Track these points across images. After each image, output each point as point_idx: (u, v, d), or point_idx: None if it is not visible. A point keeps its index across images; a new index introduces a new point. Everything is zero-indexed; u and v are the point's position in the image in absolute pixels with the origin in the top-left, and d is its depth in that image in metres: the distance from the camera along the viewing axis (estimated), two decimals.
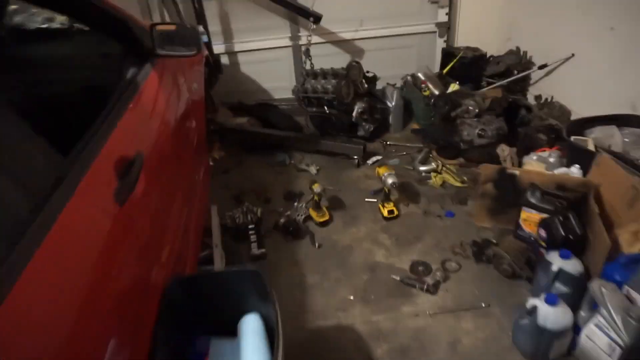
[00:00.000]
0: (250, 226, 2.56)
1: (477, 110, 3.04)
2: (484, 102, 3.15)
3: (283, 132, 3.53)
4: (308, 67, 3.58)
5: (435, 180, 3.04)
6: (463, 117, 3.10)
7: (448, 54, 4.16)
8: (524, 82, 3.91)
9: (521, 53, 4.02)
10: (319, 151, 3.43)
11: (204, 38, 3.60)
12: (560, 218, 2.01)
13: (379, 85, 3.87)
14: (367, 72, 3.49)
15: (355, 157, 3.24)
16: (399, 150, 3.52)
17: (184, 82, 2.17)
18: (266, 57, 4.28)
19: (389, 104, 3.63)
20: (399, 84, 4.07)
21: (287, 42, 4.20)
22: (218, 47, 4.15)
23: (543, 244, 2.10)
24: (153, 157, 1.45)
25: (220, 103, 4.02)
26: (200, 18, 3.54)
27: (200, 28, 3.54)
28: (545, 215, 2.13)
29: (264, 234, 2.62)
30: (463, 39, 4.32)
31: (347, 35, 4.21)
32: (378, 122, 3.56)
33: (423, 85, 3.74)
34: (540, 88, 3.75)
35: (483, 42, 4.29)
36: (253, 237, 2.51)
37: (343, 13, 4.12)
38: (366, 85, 3.38)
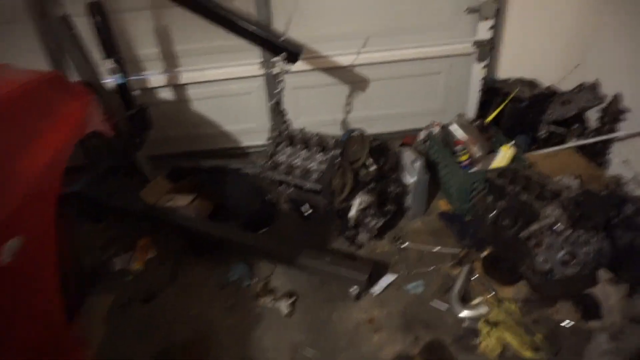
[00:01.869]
0: None
1: (563, 227, 1.75)
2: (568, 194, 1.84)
3: (242, 234, 2.24)
4: (283, 125, 2.27)
5: (489, 342, 1.79)
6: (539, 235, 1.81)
7: (492, 90, 2.83)
8: (606, 142, 2.61)
9: (598, 88, 2.70)
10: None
11: (115, 78, 2.28)
12: None
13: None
14: (374, 140, 2.15)
15: (354, 288, 1.97)
16: (422, 258, 2.25)
17: None
18: (229, 90, 2.97)
19: (407, 179, 2.33)
20: (421, 135, 2.76)
21: (258, 70, 2.88)
22: (154, 79, 2.83)
23: None
24: None
25: (151, 165, 2.71)
26: (107, 45, 2.19)
27: (108, 63, 2.21)
28: None
29: None
30: (509, 64, 2.99)
31: (344, 60, 2.88)
32: (390, 213, 2.28)
33: (459, 147, 2.44)
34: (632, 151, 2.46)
35: (538, 68, 2.95)
36: None
37: (339, 28, 2.79)
38: (373, 167, 2.07)
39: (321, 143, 2.05)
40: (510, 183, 2.02)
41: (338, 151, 1.88)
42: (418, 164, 2.29)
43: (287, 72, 2.16)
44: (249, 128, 3.14)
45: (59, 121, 1.53)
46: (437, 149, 2.60)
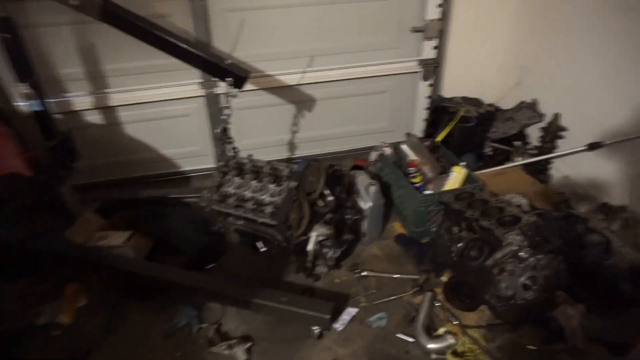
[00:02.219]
0: None
1: (527, 256, 1.73)
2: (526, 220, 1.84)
3: (187, 275, 2.02)
4: (230, 151, 2.10)
5: None
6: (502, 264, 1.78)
7: (439, 109, 2.83)
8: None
9: (537, 105, 2.79)
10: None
11: (30, 103, 1.98)
12: None
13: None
14: (330, 167, 2.04)
15: (316, 328, 1.83)
16: (382, 286, 2.15)
17: None
18: (165, 112, 2.74)
19: (363, 205, 2.24)
20: (372, 156, 2.69)
21: (198, 90, 2.68)
22: (79, 101, 2.54)
23: None
24: None
25: (78, 198, 2.41)
26: (20, 66, 1.90)
27: (21, 87, 1.92)
28: None
29: None
30: (453, 83, 3.02)
31: (290, 79, 2.76)
32: (348, 243, 2.17)
33: (412, 169, 2.40)
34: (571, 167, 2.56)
35: (481, 87, 3.02)
36: None
37: (284, 47, 2.67)
38: (331, 198, 1.95)
39: (274, 173, 1.90)
40: (468, 207, 1.99)
41: (294, 183, 1.74)
42: (373, 189, 2.21)
43: (233, 96, 1.99)
44: (189, 152, 2.92)
45: None
46: (389, 171, 2.54)
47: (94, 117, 2.64)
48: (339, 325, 1.94)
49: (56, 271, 2.17)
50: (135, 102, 2.64)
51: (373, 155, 2.68)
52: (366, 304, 2.06)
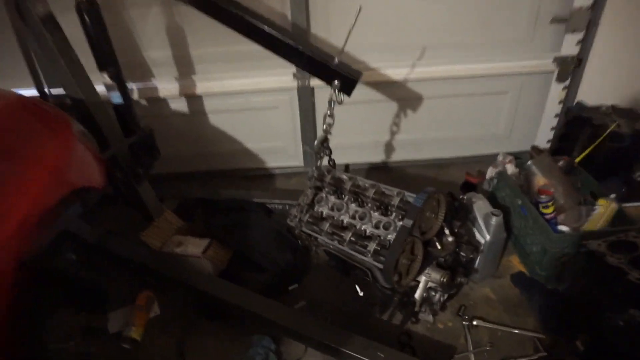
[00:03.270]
0: None
1: None
2: None
3: (270, 307, 1.73)
4: (324, 161, 1.77)
5: None
6: None
7: (578, 120, 2.30)
8: None
9: None
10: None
11: (111, 96, 1.78)
12: None
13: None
14: (453, 197, 1.63)
15: None
16: (497, 342, 1.75)
17: None
18: (253, 103, 2.47)
19: (480, 239, 1.83)
20: (489, 172, 2.25)
21: (290, 82, 2.37)
22: (164, 88, 2.34)
23: None
24: None
25: (155, 191, 2.21)
26: (101, 52, 1.68)
27: (102, 77, 1.71)
28: None
29: None
30: (594, 86, 2.44)
31: (395, 74, 2.36)
32: (460, 287, 1.79)
33: (544, 197, 1.93)
34: None
35: (635, 95, 2.42)
36: None
37: (392, 37, 2.27)
38: (450, 239, 1.56)
39: (381, 199, 1.55)
40: (630, 262, 1.51)
41: (409, 221, 1.38)
42: (495, 222, 1.79)
43: (339, 103, 1.64)
44: (275, 147, 2.66)
45: (26, 173, 1.05)
46: (509, 193, 2.10)
47: (178, 105, 2.44)
48: None
49: (129, 275, 2.01)
50: (221, 90, 2.39)
51: (490, 172, 2.23)
52: None
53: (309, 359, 1.74)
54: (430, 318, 1.70)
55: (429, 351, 1.71)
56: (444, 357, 1.68)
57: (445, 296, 1.75)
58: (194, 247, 1.98)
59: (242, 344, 1.77)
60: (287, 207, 2.20)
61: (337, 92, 1.59)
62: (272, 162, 2.72)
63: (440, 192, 1.50)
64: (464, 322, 1.81)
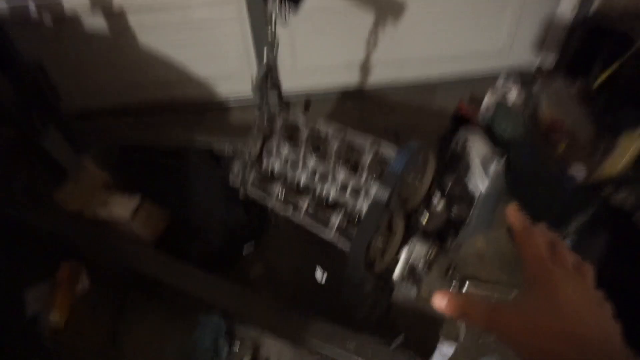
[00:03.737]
0: None
1: None
2: None
3: (214, 287, 1.39)
4: (276, 107, 1.33)
5: None
6: None
7: (596, 33, 1.84)
8: None
9: None
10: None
11: None
12: None
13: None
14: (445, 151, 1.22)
15: None
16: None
17: None
18: (192, 17, 1.93)
19: (472, 183, 1.48)
20: (486, 99, 1.83)
21: None
22: (70, 2, 1.78)
23: None
24: None
25: (76, 130, 1.76)
26: None
27: None
28: None
29: None
30: None
31: None
32: (449, 249, 1.46)
33: (554, 133, 1.55)
34: None
35: None
36: None
37: None
38: (439, 208, 1.18)
39: (349, 153, 1.15)
40: None
41: (385, 194, 0.99)
42: (492, 168, 1.42)
43: (283, 23, 1.15)
44: (224, 72, 2.16)
45: None
46: (510, 126, 1.71)
47: (95, 23, 1.89)
48: None
49: (46, 244, 1.64)
50: (147, 3, 1.84)
51: (487, 98, 1.81)
52: (470, 338, 1.41)
53: (268, 339, 1.45)
54: (413, 291, 1.39)
55: (412, 326, 1.44)
56: (431, 332, 1.41)
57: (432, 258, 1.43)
58: (120, 208, 1.58)
59: (187, 325, 1.47)
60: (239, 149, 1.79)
61: (277, 2, 1.09)
62: (223, 90, 2.24)
63: (428, 149, 1.09)
64: (452, 287, 1.51)
